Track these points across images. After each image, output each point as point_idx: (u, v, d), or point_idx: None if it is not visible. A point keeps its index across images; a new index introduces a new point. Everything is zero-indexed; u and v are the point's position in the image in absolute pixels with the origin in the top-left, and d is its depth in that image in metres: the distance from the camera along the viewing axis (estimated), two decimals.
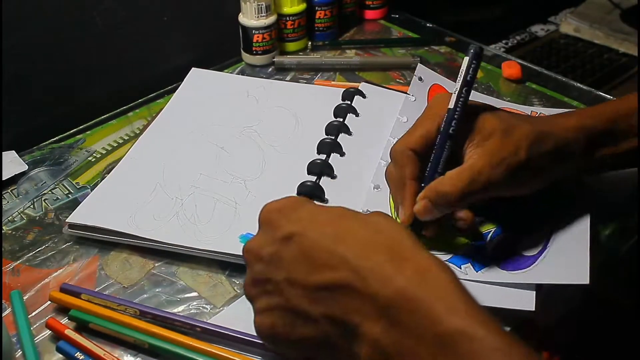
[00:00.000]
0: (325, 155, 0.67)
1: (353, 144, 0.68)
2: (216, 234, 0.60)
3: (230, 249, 0.58)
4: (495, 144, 0.54)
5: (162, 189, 0.65)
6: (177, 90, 0.79)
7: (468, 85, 0.55)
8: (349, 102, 0.73)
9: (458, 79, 0.56)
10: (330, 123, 0.70)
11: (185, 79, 0.80)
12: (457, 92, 0.55)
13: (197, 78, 0.81)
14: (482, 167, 0.53)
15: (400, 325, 0.40)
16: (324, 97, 0.76)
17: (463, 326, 0.38)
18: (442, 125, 0.55)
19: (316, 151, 0.68)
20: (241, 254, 0.57)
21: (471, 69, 0.55)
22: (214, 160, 0.69)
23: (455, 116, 0.55)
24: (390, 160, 0.59)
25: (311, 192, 0.62)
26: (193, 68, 0.82)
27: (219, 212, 0.62)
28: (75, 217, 0.62)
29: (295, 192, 0.63)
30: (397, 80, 0.83)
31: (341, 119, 0.71)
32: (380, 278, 0.41)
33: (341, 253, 0.43)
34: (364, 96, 0.75)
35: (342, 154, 0.67)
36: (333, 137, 0.69)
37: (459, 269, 0.56)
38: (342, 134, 0.69)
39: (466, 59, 0.56)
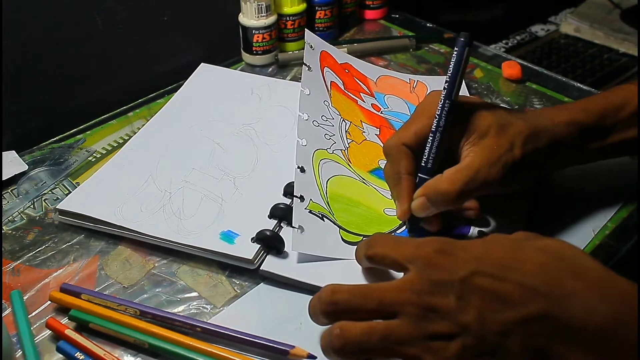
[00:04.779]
0: None
1: None
2: (197, 229, 0.60)
3: (209, 245, 0.58)
4: (491, 142, 0.55)
5: (154, 181, 0.66)
6: (184, 84, 0.80)
7: (457, 77, 0.55)
8: None
9: (448, 72, 0.56)
10: None
11: (193, 74, 0.81)
12: (446, 85, 0.55)
13: (205, 73, 0.82)
14: (479, 166, 0.54)
15: (609, 355, 0.39)
16: None
17: None
18: (434, 120, 0.56)
19: None
20: (220, 250, 0.57)
21: (457, 57, 0.55)
22: (208, 155, 0.69)
23: (444, 109, 0.55)
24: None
25: None
26: (202, 63, 0.82)
27: (204, 208, 0.63)
28: (65, 204, 0.63)
29: (282, 191, 0.63)
30: None
31: None
32: (583, 306, 0.40)
33: (529, 284, 0.42)
34: None
35: None
36: None
37: None
38: None
39: (455, 50, 0.56)
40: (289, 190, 0.63)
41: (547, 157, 0.57)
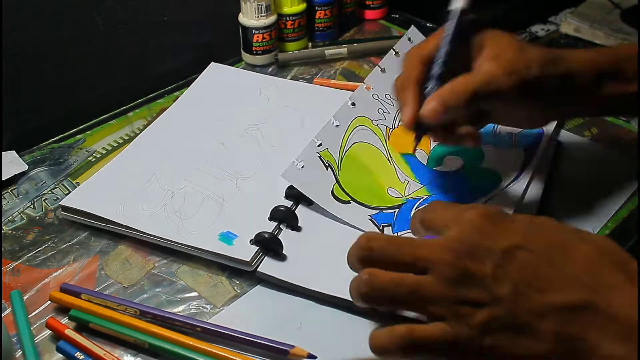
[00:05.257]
0: None
1: None
2: (197, 229, 0.60)
3: (207, 245, 0.58)
4: (509, 56, 0.55)
5: (157, 180, 0.66)
6: (194, 83, 0.80)
7: None
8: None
9: None
10: None
11: (202, 73, 0.81)
12: None
13: (215, 73, 0.82)
14: (495, 73, 0.54)
15: None
16: (335, 99, 0.74)
17: None
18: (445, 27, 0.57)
19: None
20: (218, 251, 0.57)
21: None
22: (212, 155, 0.69)
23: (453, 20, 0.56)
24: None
25: (300, 196, 0.62)
26: (212, 62, 0.83)
27: (205, 208, 0.63)
28: (68, 201, 0.63)
29: (284, 194, 0.63)
30: None
31: None
32: (624, 298, 0.40)
33: (572, 272, 0.42)
34: None
35: None
36: None
37: (378, 227, 0.60)
38: None
39: None
40: (290, 193, 0.63)
41: (561, 90, 0.56)
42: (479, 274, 0.42)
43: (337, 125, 0.65)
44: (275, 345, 0.50)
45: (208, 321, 0.54)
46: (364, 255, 0.46)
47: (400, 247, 0.45)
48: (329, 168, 0.62)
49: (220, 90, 0.79)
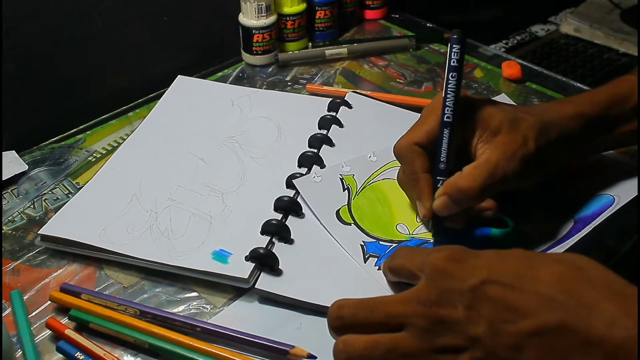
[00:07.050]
0: (306, 169, 0.66)
1: (335, 156, 0.67)
2: (188, 249, 0.59)
3: (202, 266, 0.57)
4: (504, 138, 0.55)
5: (138, 201, 0.64)
6: (162, 98, 0.78)
7: (454, 70, 0.56)
8: (334, 114, 0.73)
9: (445, 66, 0.57)
10: (313, 135, 0.70)
11: (170, 87, 0.80)
12: (445, 80, 0.56)
13: (183, 86, 0.80)
14: (497, 161, 0.54)
15: None
16: (309, 107, 0.75)
17: None
18: (441, 117, 0.56)
19: (297, 164, 0.67)
20: (214, 271, 0.56)
21: (454, 53, 0.56)
22: (192, 171, 0.67)
23: (447, 102, 0.56)
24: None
25: (289, 208, 0.62)
26: (179, 76, 0.81)
27: (193, 227, 0.61)
28: (47, 229, 0.61)
29: (273, 207, 0.62)
30: (398, 80, 0.83)
31: (325, 131, 0.70)
32: (604, 319, 0.38)
33: (546, 293, 0.40)
34: (350, 106, 0.74)
35: (322, 167, 0.66)
36: (315, 150, 0.68)
37: (364, 255, 0.58)
38: (325, 145, 0.69)
39: (449, 46, 0.57)
40: (279, 205, 0.62)
41: (557, 150, 0.57)
42: (451, 320, 0.42)
43: (373, 160, 0.66)
44: (275, 345, 0.50)
45: (208, 321, 0.54)
46: (336, 325, 0.46)
47: (371, 310, 0.45)
48: (347, 191, 0.63)
49: (191, 104, 0.77)
